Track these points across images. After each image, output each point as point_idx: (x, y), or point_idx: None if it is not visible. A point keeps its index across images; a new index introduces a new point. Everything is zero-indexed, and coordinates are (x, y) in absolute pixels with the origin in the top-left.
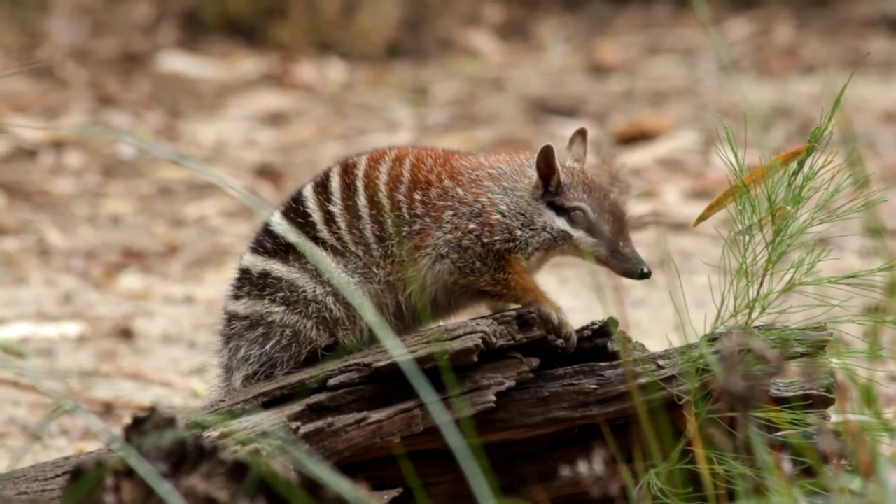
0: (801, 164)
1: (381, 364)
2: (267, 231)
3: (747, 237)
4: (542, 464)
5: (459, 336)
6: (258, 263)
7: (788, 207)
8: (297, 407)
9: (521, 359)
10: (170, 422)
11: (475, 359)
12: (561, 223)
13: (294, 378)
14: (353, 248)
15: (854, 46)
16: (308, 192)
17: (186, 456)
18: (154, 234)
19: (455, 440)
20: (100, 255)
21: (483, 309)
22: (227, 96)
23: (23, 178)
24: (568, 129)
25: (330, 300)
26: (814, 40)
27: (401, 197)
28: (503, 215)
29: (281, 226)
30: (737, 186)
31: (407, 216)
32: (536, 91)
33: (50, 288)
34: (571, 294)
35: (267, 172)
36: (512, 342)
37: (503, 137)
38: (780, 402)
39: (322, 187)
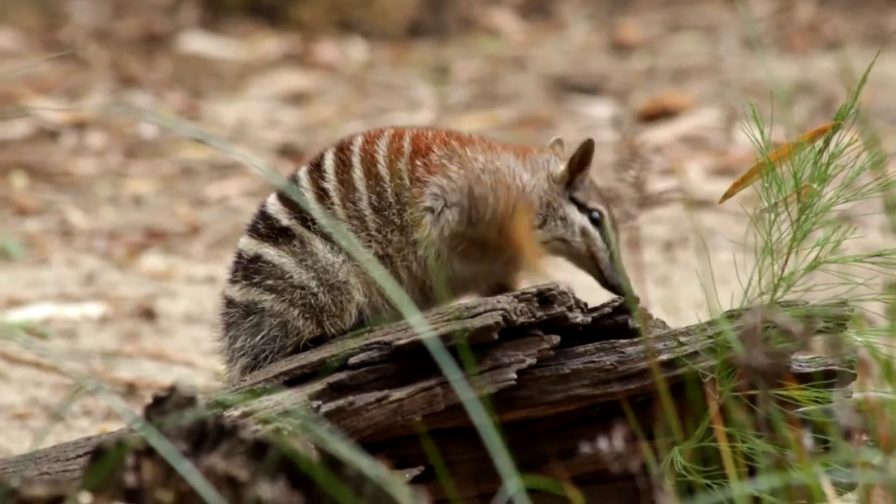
0: (826, 142)
1: (401, 342)
2: (262, 214)
3: (773, 215)
4: (563, 441)
5: (480, 314)
6: (251, 247)
7: (814, 185)
8: (317, 386)
9: (541, 336)
10: (190, 401)
11: (495, 336)
12: (582, 219)
13: (315, 357)
14: (345, 226)
15: (876, 22)
16: (302, 173)
17: (206, 435)
18: (176, 214)
19: (479, 417)
20: (122, 236)
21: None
22: (249, 76)
23: (45, 159)
24: (590, 107)
25: (314, 284)
26: (836, 16)
27: (401, 166)
28: (523, 187)
29: (274, 206)
30: (763, 164)
31: (408, 182)
32: (558, 69)
33: (72, 269)
34: None
35: (289, 152)
36: (532, 319)
37: (525, 116)
38: (802, 378)
39: (316, 167)
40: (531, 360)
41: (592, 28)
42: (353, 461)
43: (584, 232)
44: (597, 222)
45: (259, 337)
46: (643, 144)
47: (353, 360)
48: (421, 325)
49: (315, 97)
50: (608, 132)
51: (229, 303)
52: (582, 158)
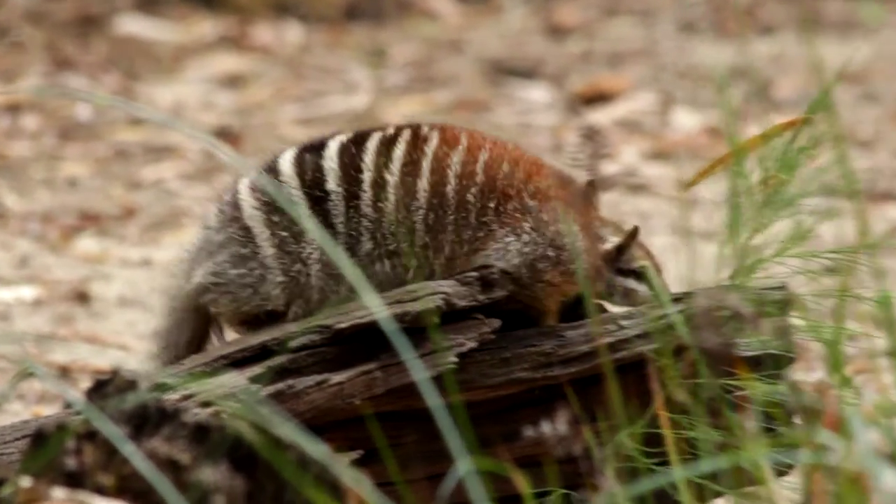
0: (796, 135)
1: (342, 326)
2: (318, 166)
3: (736, 203)
4: (505, 424)
5: (421, 297)
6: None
7: (782, 176)
8: (257, 369)
9: (482, 320)
10: (132, 384)
11: (437, 320)
12: (630, 283)
13: (255, 341)
14: (381, 227)
15: (811, 7)
16: (370, 145)
17: (148, 418)
18: (111, 196)
19: (428, 400)
20: (56, 219)
21: None
22: (185, 59)
23: None
24: (526, 91)
25: (316, 268)
26: (771, 1)
27: (471, 199)
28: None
29: (332, 163)
30: (730, 154)
31: (474, 222)
32: (494, 53)
33: (6, 251)
34: None
35: (225, 135)
36: (474, 303)
37: (461, 99)
38: (743, 361)
39: (386, 146)
40: (472, 344)
41: (529, 12)
42: (295, 443)
43: (632, 294)
44: (640, 276)
45: (235, 271)
46: (599, 129)
47: (293, 344)
48: (362, 309)
49: (251, 80)
50: (544, 116)
51: (234, 205)
52: (626, 243)
